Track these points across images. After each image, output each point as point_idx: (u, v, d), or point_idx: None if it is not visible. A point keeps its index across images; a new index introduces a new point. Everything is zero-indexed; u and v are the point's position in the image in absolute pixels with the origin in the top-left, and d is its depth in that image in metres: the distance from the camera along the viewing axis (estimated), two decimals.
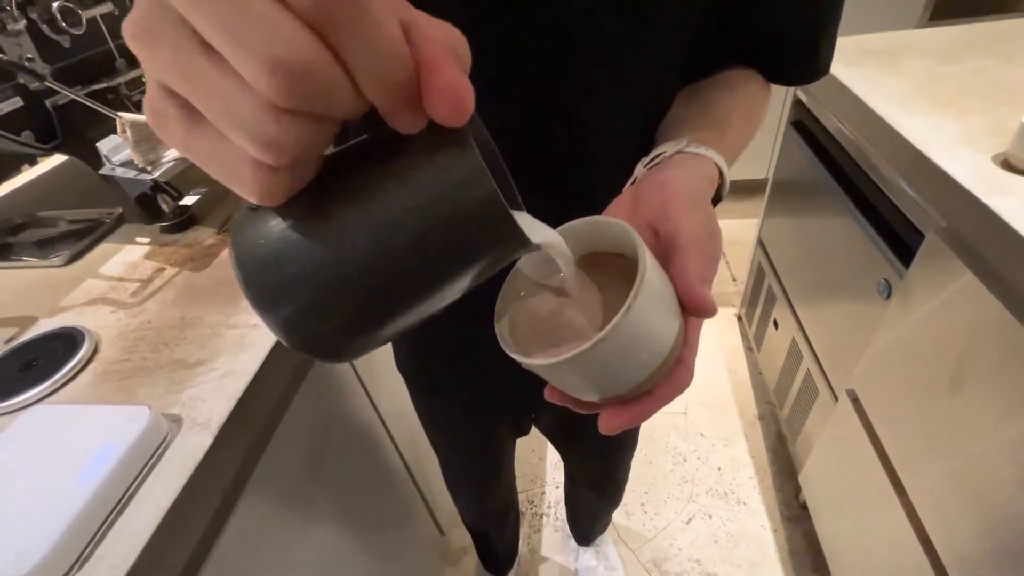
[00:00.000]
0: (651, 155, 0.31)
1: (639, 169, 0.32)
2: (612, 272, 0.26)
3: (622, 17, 0.32)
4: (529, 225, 0.22)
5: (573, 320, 0.24)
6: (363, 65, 0.13)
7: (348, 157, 0.17)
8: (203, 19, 0.13)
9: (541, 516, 1.28)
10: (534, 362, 0.22)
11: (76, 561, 0.39)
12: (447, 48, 0.15)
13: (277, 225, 0.17)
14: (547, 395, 0.27)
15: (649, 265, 0.21)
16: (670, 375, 0.24)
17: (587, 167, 0.39)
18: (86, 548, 0.39)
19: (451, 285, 0.19)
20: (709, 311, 0.23)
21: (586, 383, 0.23)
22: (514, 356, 0.23)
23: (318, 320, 0.17)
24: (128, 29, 0.14)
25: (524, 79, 0.34)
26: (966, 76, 0.91)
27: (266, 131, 0.13)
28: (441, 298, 0.19)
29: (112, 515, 0.42)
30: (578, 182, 0.39)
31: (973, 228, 0.63)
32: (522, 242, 0.18)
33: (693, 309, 0.23)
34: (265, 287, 0.17)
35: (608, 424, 0.23)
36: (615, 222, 0.24)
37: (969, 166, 0.67)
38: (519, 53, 0.33)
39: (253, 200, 0.15)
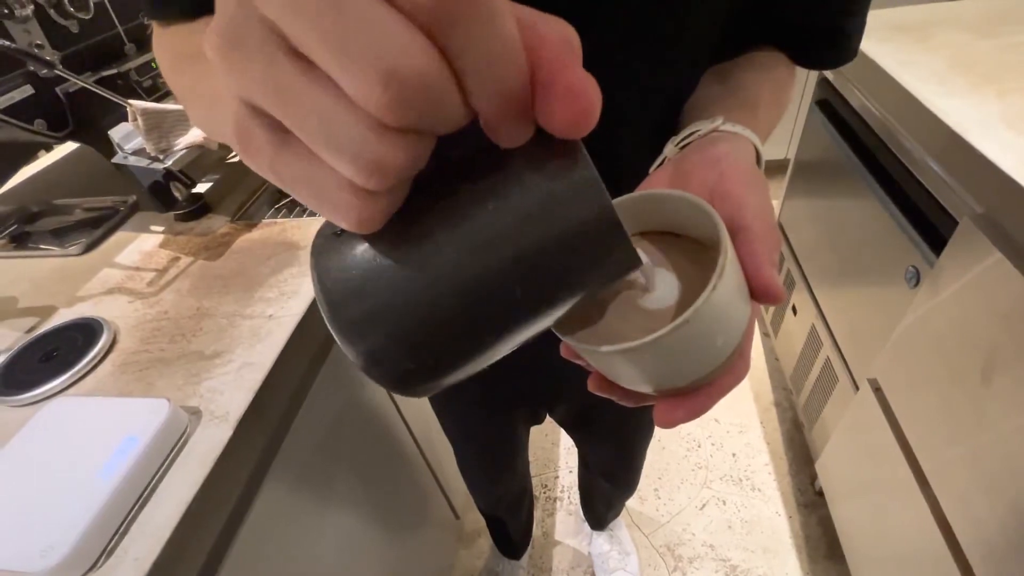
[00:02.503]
0: (683, 134, 0.29)
1: (670, 148, 0.30)
2: (667, 254, 0.24)
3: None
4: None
5: (627, 306, 0.22)
6: (477, 72, 0.12)
7: (440, 173, 0.15)
8: (301, 27, 0.11)
9: (555, 500, 1.29)
10: (599, 349, 0.19)
11: (102, 553, 0.39)
12: (568, 46, 0.13)
13: (367, 251, 0.15)
14: (592, 387, 0.25)
15: (730, 243, 0.20)
16: (732, 365, 0.22)
17: (611, 149, 0.37)
18: (111, 540, 0.40)
19: (552, 313, 0.17)
20: (780, 297, 0.21)
21: (650, 372, 0.21)
22: (574, 344, 0.21)
23: (411, 354, 0.16)
24: (212, 41, 0.12)
25: None
26: (1006, 51, 0.86)
27: (371, 153, 0.12)
28: (540, 327, 0.17)
29: (135, 508, 0.42)
30: (601, 165, 0.38)
31: (1012, 215, 0.60)
32: (635, 263, 0.17)
33: (763, 294, 0.21)
34: (355, 319, 0.15)
35: (665, 418, 0.22)
36: (685, 195, 0.22)
37: (1009, 149, 0.63)
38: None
39: (350, 228, 0.14)
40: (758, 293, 0.21)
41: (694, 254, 0.23)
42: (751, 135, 0.28)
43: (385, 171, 0.12)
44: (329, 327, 0.16)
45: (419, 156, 0.13)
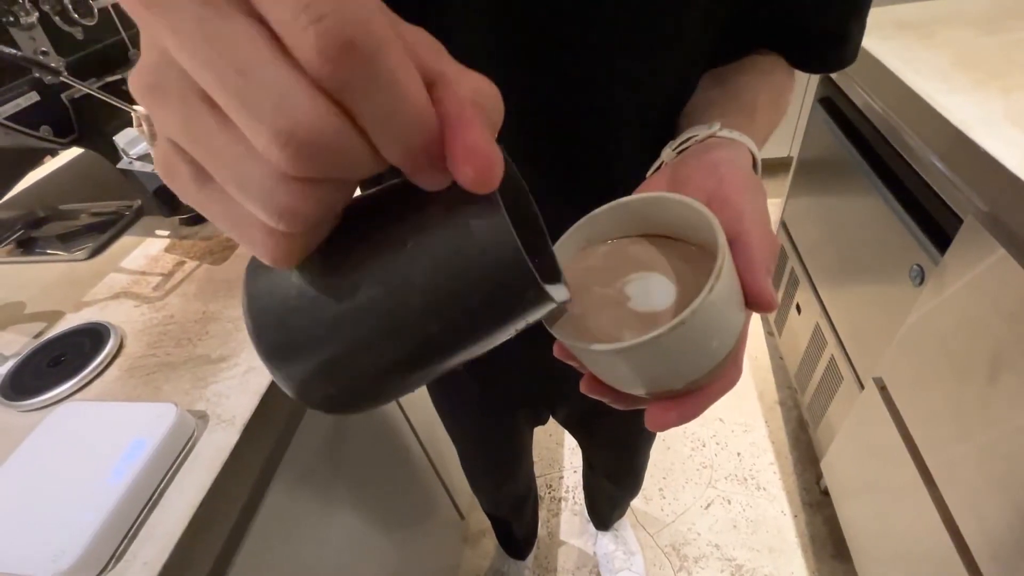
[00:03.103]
0: (680, 138, 0.30)
1: (667, 153, 0.30)
2: (664, 257, 0.24)
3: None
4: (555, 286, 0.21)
5: (622, 309, 0.23)
6: (381, 129, 0.12)
7: (368, 207, 0.16)
8: (208, 81, 0.12)
9: (559, 500, 1.29)
10: (595, 348, 0.20)
11: (112, 557, 0.40)
12: (473, 105, 0.13)
13: (293, 281, 0.16)
14: (584, 388, 0.25)
15: (727, 247, 0.20)
16: (725, 371, 0.22)
17: (610, 151, 0.38)
18: (120, 544, 0.40)
19: (470, 348, 0.18)
20: (773, 305, 0.21)
21: (644, 373, 0.21)
22: (569, 344, 0.21)
23: (330, 380, 0.17)
24: (135, 82, 0.13)
25: (547, 57, 0.32)
26: (1010, 48, 0.85)
27: (278, 201, 0.13)
28: (460, 358, 0.18)
29: (144, 512, 0.42)
30: (599, 167, 0.38)
31: (1017, 212, 0.60)
32: (548, 305, 0.17)
33: (756, 302, 0.22)
34: (276, 343, 0.16)
35: (657, 421, 0.22)
36: (683, 199, 0.22)
37: (1014, 146, 0.63)
38: (543, 34, 0.31)
39: (267, 263, 0.15)
40: (752, 300, 0.21)
41: (690, 258, 0.23)
42: (748, 141, 0.28)
43: (293, 217, 0.13)
44: (255, 350, 0.17)
45: (332, 202, 0.13)
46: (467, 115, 0.13)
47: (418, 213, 0.16)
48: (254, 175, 0.12)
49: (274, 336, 0.16)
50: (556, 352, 0.25)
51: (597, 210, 0.25)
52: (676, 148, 0.29)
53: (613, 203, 0.24)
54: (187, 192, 0.14)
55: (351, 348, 0.16)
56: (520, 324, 0.18)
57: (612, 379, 0.23)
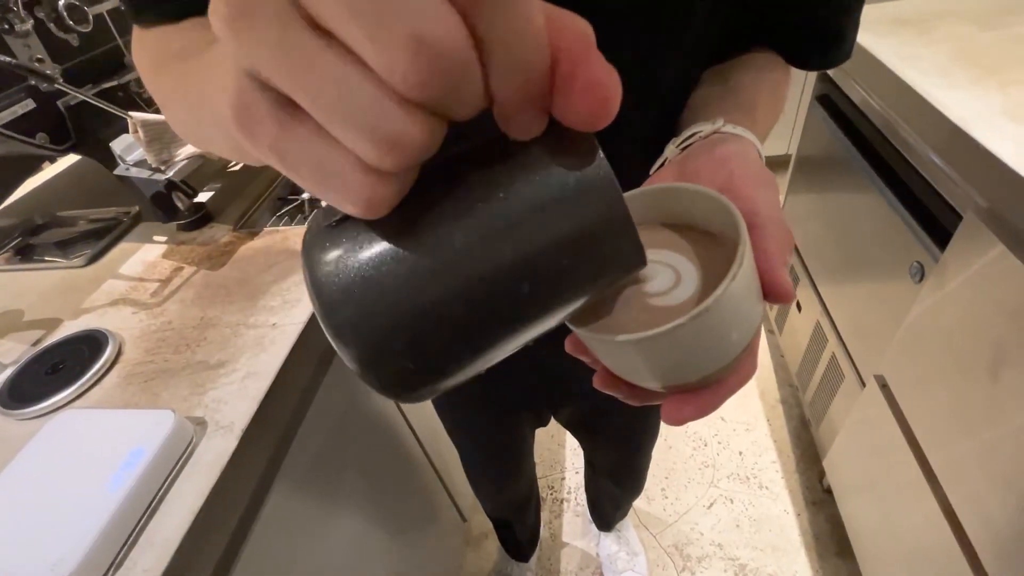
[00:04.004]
0: (684, 135, 0.29)
1: (670, 149, 0.30)
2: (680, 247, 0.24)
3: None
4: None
5: (637, 300, 0.22)
6: (502, 52, 0.12)
7: (445, 164, 0.15)
8: None
9: (562, 502, 1.29)
10: (615, 339, 0.19)
11: (111, 565, 0.40)
12: (588, 39, 0.13)
13: (367, 241, 0.14)
14: (598, 383, 0.24)
15: (747, 234, 0.20)
16: (741, 364, 0.22)
17: (611, 148, 0.37)
18: (120, 552, 0.40)
19: (557, 313, 0.17)
20: (790, 297, 0.21)
21: (662, 366, 0.21)
22: (587, 336, 0.21)
23: (412, 353, 0.15)
24: (220, 9, 0.12)
25: None
26: (1008, 43, 0.85)
27: (390, 127, 0.12)
28: (542, 328, 0.17)
29: (143, 519, 0.42)
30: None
31: (1016, 208, 0.60)
32: (641, 263, 0.17)
33: (774, 294, 0.21)
34: (353, 314, 0.15)
35: (674, 415, 0.21)
36: (701, 189, 0.22)
37: (1013, 141, 0.63)
38: None
39: (357, 211, 0.13)
40: (769, 292, 0.21)
41: (705, 248, 0.23)
42: (752, 137, 0.28)
43: (402, 148, 0.12)
44: (323, 325, 0.15)
45: (434, 139, 0.13)
46: (586, 48, 0.13)
47: (508, 163, 0.15)
48: (366, 97, 0.11)
49: (347, 305, 0.15)
50: (568, 347, 0.24)
51: None
52: (680, 144, 0.29)
53: (627, 193, 0.24)
54: (264, 135, 0.13)
55: (433, 312, 0.15)
56: (609, 286, 0.17)
57: (629, 372, 0.23)
